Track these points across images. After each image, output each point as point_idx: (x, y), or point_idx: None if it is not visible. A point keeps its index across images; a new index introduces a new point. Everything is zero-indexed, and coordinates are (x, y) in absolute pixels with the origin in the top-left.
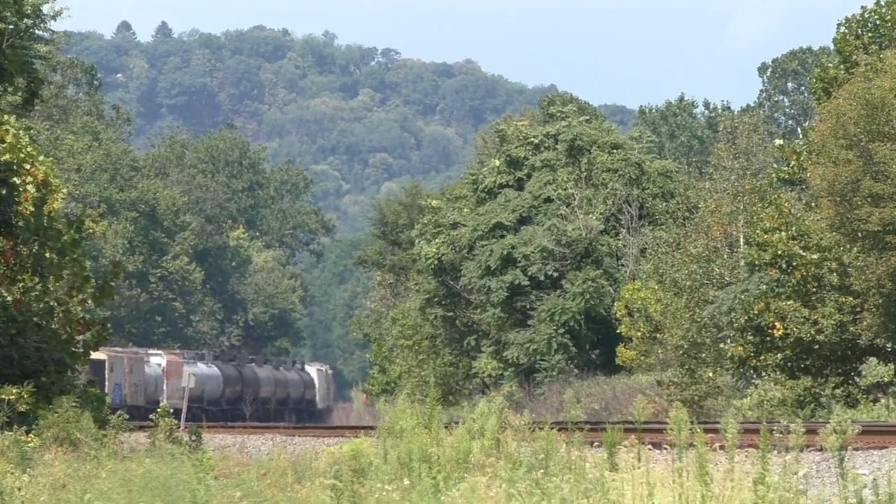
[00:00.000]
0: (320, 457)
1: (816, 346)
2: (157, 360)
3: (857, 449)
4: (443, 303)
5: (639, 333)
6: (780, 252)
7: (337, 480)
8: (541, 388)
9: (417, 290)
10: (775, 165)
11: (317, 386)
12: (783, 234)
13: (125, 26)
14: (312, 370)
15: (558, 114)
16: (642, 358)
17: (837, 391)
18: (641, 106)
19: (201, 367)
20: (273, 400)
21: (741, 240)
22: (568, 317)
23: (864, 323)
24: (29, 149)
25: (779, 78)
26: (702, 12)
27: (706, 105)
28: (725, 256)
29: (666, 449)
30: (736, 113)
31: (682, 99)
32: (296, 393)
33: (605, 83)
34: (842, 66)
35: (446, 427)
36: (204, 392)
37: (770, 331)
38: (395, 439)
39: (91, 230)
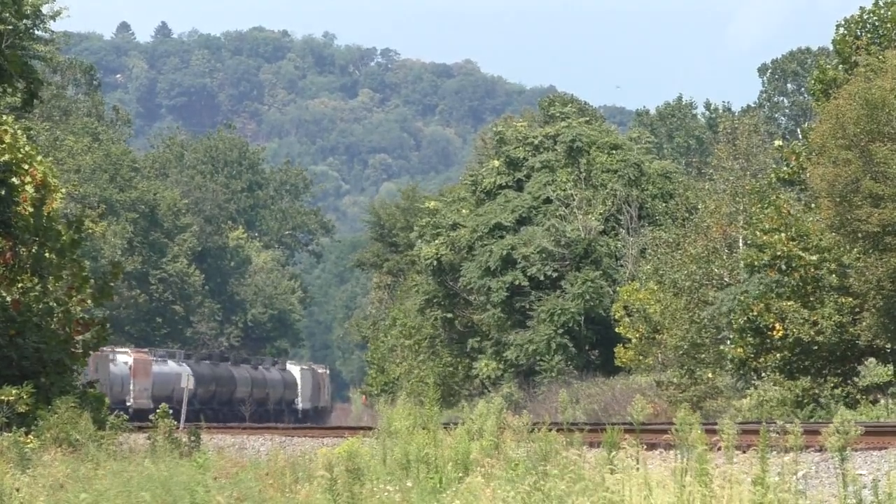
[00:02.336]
0: (316, 458)
1: (816, 347)
2: (124, 357)
3: (856, 449)
4: (442, 303)
5: (637, 334)
6: (779, 253)
7: (335, 481)
8: (540, 389)
9: (417, 290)
10: (775, 166)
11: (299, 386)
12: (782, 234)
13: (124, 27)
14: (295, 370)
15: (558, 115)
16: (641, 359)
17: (837, 392)
18: (638, 109)
19: (171, 366)
20: (250, 401)
21: (741, 241)
22: (567, 317)
23: (864, 324)
24: (27, 149)
25: (778, 79)
26: (702, 12)
27: (707, 106)
28: (725, 257)
29: (665, 450)
30: (736, 114)
31: (679, 100)
32: (275, 393)
33: (605, 84)
34: (841, 67)
35: (445, 428)
36: (174, 392)
37: (769, 332)
38: (392, 440)
39: (90, 231)
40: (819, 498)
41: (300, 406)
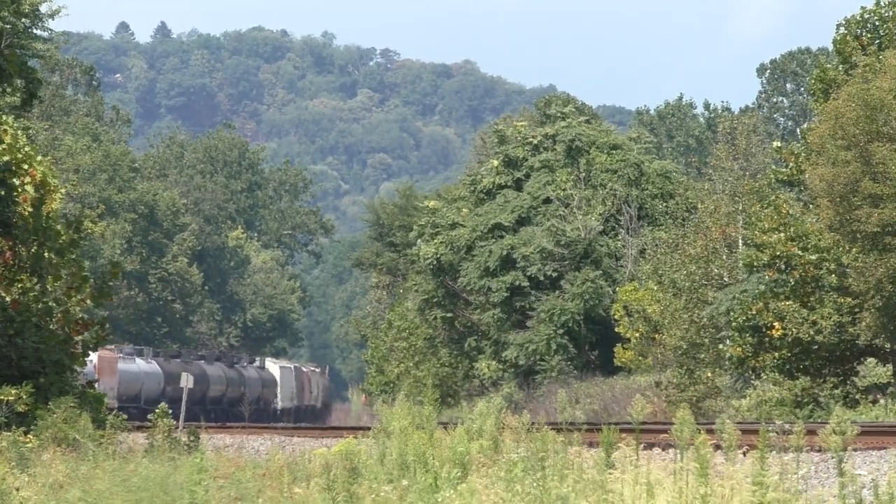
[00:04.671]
0: (313, 458)
1: (815, 347)
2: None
3: (855, 449)
4: (442, 303)
5: (637, 334)
6: (778, 253)
7: (332, 481)
8: (540, 390)
9: (416, 290)
10: (773, 167)
11: (279, 385)
12: (782, 235)
13: (124, 27)
14: (275, 368)
15: (557, 114)
16: (640, 359)
17: (836, 391)
18: (638, 107)
19: (139, 364)
20: (224, 400)
21: (740, 241)
22: (567, 317)
23: (863, 324)
24: (27, 149)
25: (777, 79)
26: (701, 13)
27: (706, 106)
28: (724, 257)
29: (662, 449)
30: (735, 114)
31: (679, 99)
32: (252, 393)
33: (604, 84)
34: (841, 67)
35: (444, 428)
36: (141, 391)
37: (769, 331)
38: (390, 439)
39: (90, 231)
40: (819, 498)
41: (279, 406)
